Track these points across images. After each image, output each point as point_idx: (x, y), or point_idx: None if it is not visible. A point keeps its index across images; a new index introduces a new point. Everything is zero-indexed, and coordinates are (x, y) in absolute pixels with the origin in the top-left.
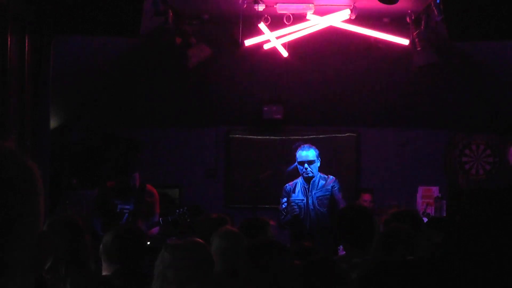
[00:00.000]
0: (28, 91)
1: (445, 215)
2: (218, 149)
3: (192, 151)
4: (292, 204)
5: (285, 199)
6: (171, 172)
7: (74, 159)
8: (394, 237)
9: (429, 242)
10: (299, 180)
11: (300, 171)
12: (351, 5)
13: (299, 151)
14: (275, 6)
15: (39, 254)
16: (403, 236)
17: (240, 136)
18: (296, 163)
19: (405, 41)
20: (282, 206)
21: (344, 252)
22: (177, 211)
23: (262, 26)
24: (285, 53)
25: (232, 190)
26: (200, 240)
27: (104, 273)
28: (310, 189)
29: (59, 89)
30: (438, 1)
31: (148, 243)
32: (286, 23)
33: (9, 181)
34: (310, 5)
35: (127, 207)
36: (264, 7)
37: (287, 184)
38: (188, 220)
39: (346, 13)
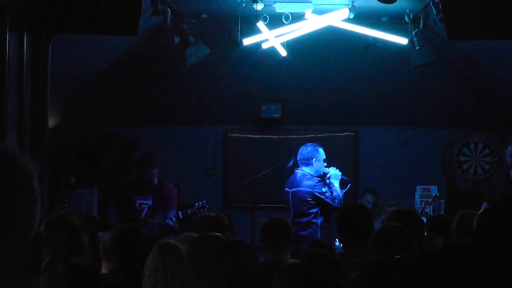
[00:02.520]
0: (27, 90)
1: (443, 213)
2: (216, 148)
3: (190, 150)
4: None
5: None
6: (169, 171)
7: (72, 158)
8: (390, 236)
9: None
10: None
11: (323, 167)
12: (349, 4)
13: (321, 149)
14: (273, 5)
15: (34, 256)
16: (399, 235)
17: (238, 135)
18: (318, 159)
19: (403, 40)
20: (329, 193)
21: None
22: (196, 204)
23: (260, 25)
24: (283, 52)
25: (230, 189)
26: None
27: (103, 271)
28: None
29: (58, 88)
30: (436, 0)
31: None
32: (285, 22)
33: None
34: (309, 4)
35: (146, 202)
36: (262, 6)
37: (312, 175)
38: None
39: (344, 12)
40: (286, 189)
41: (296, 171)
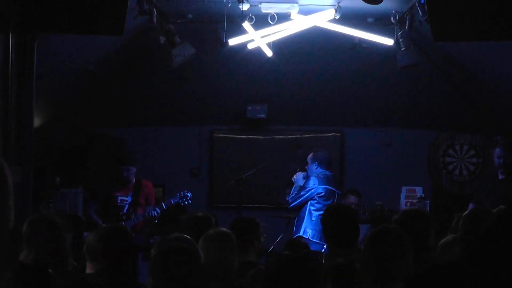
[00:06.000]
0: (12, 90)
1: None
2: (202, 148)
3: (176, 150)
4: None
5: None
6: (155, 171)
7: (58, 158)
8: (384, 237)
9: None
10: None
11: None
12: (335, 5)
13: None
14: (259, 6)
15: (11, 251)
16: (393, 236)
17: (224, 135)
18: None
19: (389, 41)
20: None
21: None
22: (178, 194)
23: (246, 25)
24: (269, 53)
25: (216, 190)
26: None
27: (87, 271)
28: None
29: (43, 87)
30: (422, 1)
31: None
32: (271, 22)
33: None
34: (295, 4)
35: (126, 198)
36: (248, 6)
37: None
38: (190, 202)
39: (330, 13)
40: (331, 188)
41: (328, 173)
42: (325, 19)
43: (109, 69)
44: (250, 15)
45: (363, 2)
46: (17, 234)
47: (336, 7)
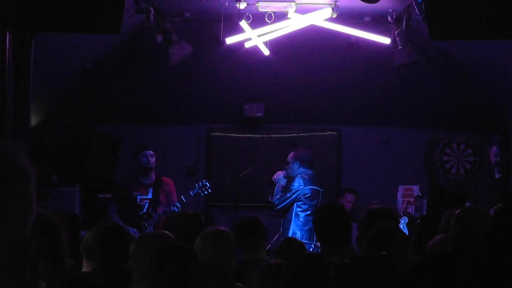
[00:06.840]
0: (9, 88)
1: (425, 213)
2: (199, 147)
3: (173, 148)
4: None
5: None
6: None
7: (55, 156)
8: (382, 235)
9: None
10: None
11: None
12: (332, 4)
13: None
14: (256, 4)
15: (23, 257)
16: (391, 234)
17: (221, 134)
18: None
19: (386, 40)
20: None
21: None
22: (196, 185)
23: (243, 24)
24: (266, 51)
25: (213, 189)
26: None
27: (84, 270)
28: None
29: (40, 86)
30: (419, 0)
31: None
32: (268, 21)
33: None
34: (292, 3)
35: (146, 197)
36: (245, 5)
37: None
38: (210, 191)
39: (327, 12)
40: (316, 187)
41: (311, 172)
42: (322, 18)
43: (106, 67)
44: (247, 13)
45: (360, 0)
46: (28, 244)
47: (333, 6)
